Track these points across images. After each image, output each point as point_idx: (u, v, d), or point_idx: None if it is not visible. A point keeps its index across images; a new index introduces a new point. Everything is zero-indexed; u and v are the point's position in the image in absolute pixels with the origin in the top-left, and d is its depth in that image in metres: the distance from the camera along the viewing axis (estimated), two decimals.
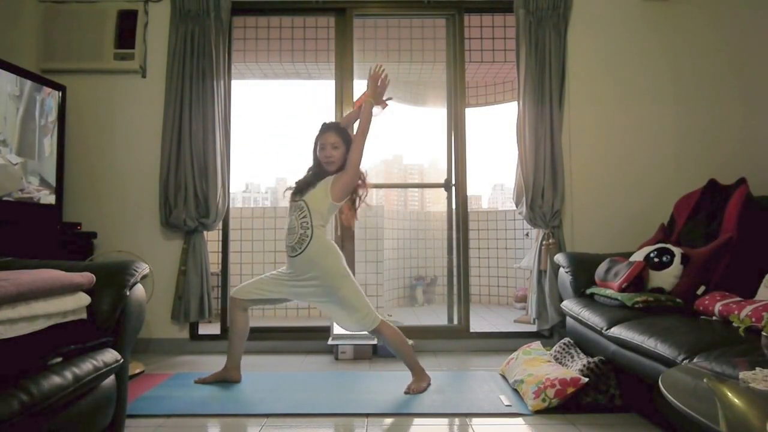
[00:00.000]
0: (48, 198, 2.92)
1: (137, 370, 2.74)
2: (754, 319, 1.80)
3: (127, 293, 1.70)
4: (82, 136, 3.32)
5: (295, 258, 2.46)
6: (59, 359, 1.40)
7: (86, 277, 1.62)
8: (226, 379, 2.58)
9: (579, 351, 2.55)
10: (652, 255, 2.58)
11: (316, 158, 2.61)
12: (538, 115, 3.32)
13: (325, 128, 2.57)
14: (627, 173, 3.40)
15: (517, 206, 3.45)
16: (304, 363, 3.04)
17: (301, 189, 2.53)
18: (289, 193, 2.58)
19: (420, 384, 2.47)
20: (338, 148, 2.51)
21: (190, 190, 3.24)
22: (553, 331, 3.30)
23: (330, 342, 3.13)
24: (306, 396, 2.38)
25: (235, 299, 2.59)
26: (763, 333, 1.39)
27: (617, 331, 2.15)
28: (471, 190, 3.55)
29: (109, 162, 3.38)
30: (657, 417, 1.99)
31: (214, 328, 3.44)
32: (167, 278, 3.28)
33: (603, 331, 2.27)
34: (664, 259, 2.52)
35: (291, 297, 2.61)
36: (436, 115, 6.86)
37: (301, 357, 3.17)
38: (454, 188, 3.54)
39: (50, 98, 2.94)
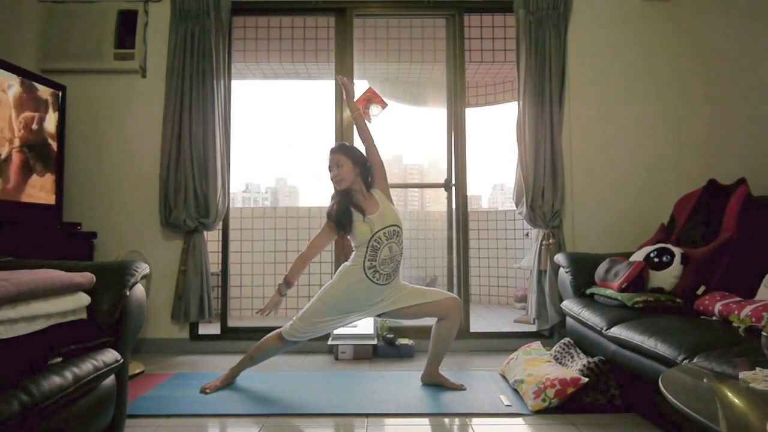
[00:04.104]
0: (48, 198, 2.92)
1: (137, 370, 2.74)
2: (754, 319, 1.80)
3: (127, 293, 1.71)
4: (82, 136, 3.33)
5: (385, 286, 2.45)
6: (59, 359, 1.40)
7: (86, 277, 1.62)
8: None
9: (579, 351, 2.55)
10: (652, 255, 2.58)
11: None
12: (538, 115, 3.32)
13: (329, 152, 2.56)
14: (627, 173, 3.41)
15: (517, 206, 3.45)
16: (304, 363, 3.04)
17: (379, 216, 2.52)
18: (376, 229, 2.49)
19: (447, 379, 2.53)
20: (342, 165, 2.50)
21: (190, 190, 3.24)
22: (553, 331, 3.31)
23: (330, 342, 3.13)
24: (306, 396, 2.38)
25: (283, 337, 2.47)
26: (763, 333, 1.39)
27: (617, 331, 2.15)
28: (471, 190, 3.55)
29: (109, 162, 3.38)
30: (657, 417, 1.99)
31: (214, 328, 3.45)
32: (167, 278, 3.28)
33: (603, 331, 2.27)
34: (664, 259, 2.51)
35: (362, 317, 2.54)
36: (436, 115, 6.87)
37: (301, 357, 3.16)
38: (454, 188, 3.54)
39: None
